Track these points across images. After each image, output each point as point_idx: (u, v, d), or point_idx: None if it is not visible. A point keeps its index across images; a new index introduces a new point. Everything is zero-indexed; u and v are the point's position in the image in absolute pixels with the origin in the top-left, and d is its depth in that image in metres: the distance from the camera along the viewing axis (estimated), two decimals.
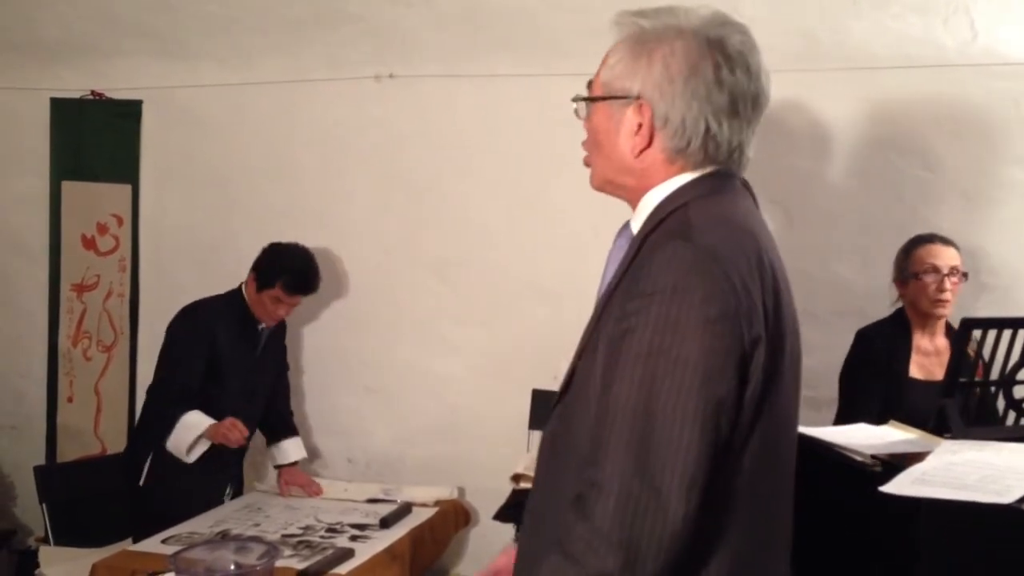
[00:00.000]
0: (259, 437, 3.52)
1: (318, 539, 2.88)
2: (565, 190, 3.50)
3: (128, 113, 4.03)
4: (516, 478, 3.01)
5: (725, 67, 1.24)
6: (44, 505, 3.39)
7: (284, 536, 2.90)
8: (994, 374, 1.94)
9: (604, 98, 1.30)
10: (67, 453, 4.09)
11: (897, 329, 2.83)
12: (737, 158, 1.29)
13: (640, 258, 1.20)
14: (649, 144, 1.27)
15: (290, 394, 3.67)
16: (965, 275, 2.81)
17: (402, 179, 3.77)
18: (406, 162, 3.76)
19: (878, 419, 2.08)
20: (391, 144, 3.77)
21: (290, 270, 3.30)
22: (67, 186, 4.11)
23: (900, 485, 1.52)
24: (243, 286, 3.38)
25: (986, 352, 1.91)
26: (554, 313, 3.54)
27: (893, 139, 3.29)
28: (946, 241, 2.83)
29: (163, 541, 2.83)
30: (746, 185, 1.34)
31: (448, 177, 3.72)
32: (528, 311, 3.63)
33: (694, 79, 1.23)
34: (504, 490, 3.08)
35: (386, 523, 3.07)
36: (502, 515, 3.05)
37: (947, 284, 2.76)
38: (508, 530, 3.13)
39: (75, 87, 4.03)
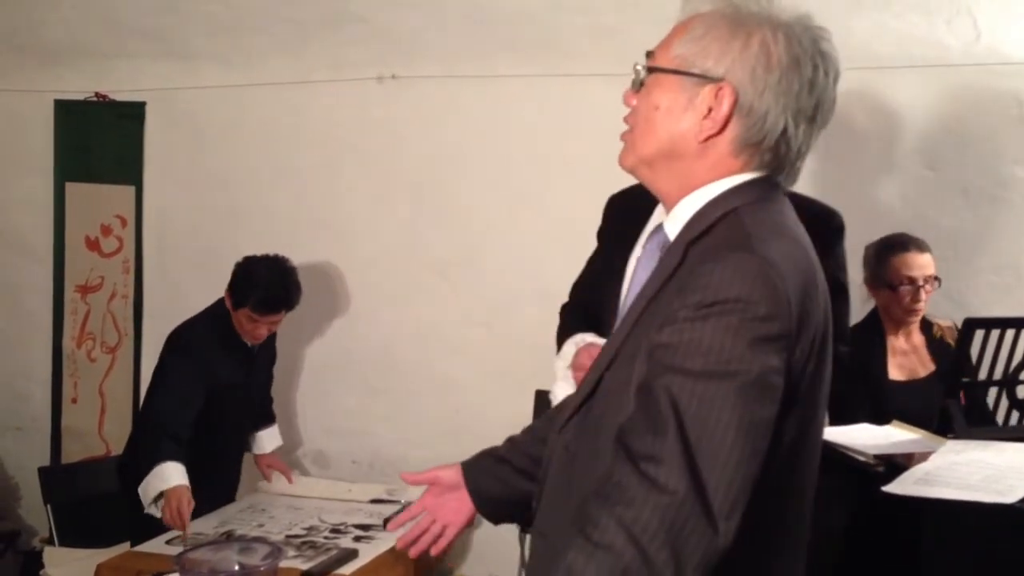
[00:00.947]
0: None
1: (322, 540, 2.89)
2: (568, 190, 3.52)
3: (132, 115, 4.04)
4: None
5: (822, 69, 1.18)
6: (49, 506, 3.40)
7: (288, 537, 2.90)
8: (997, 374, 1.94)
9: (680, 72, 1.19)
10: (71, 454, 4.10)
11: (872, 332, 2.81)
12: (799, 167, 1.24)
13: (688, 265, 1.13)
14: (720, 132, 1.18)
15: (271, 382, 3.60)
16: (938, 279, 2.79)
17: (404, 180, 3.78)
18: (408, 163, 3.76)
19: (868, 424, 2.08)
20: (393, 145, 3.77)
21: (259, 288, 3.12)
22: (71, 187, 4.12)
23: (903, 485, 1.52)
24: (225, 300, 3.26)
25: (989, 352, 1.91)
26: (556, 313, 3.54)
27: (895, 138, 3.29)
28: (920, 247, 2.80)
29: (167, 542, 2.83)
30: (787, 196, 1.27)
31: (451, 178, 3.73)
32: (531, 312, 3.62)
33: (792, 73, 1.16)
34: None
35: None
36: None
37: (922, 294, 2.75)
38: (511, 530, 3.13)
39: (79, 89, 4.04)
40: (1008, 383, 1.89)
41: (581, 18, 3.39)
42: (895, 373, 2.79)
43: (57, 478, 3.54)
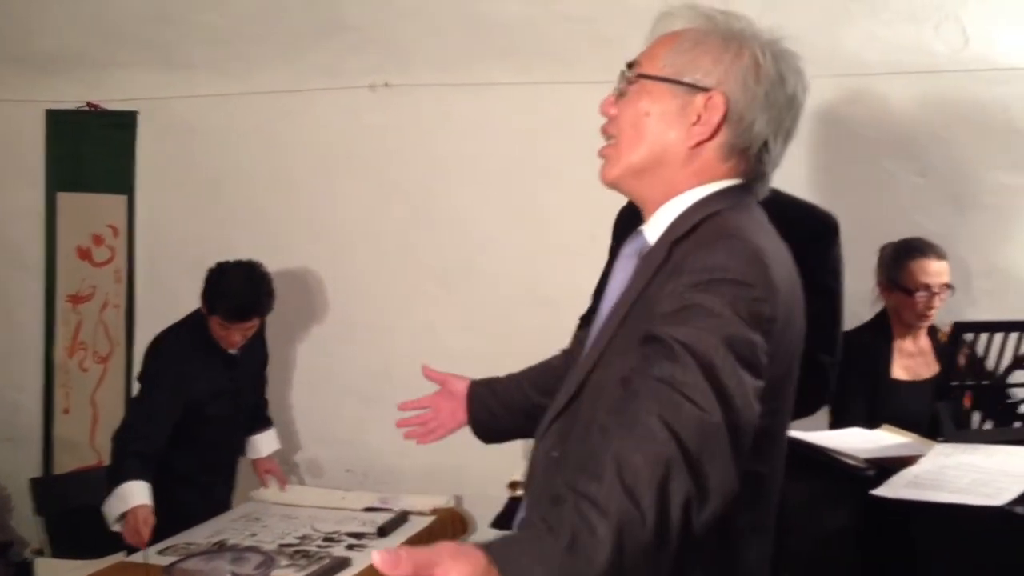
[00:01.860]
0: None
1: (315, 548, 2.88)
2: (562, 197, 3.53)
3: (123, 124, 4.04)
4: (513, 485, 3.01)
5: (801, 87, 1.26)
6: (41, 517, 3.39)
7: (281, 546, 2.89)
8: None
9: (671, 80, 1.24)
10: (63, 464, 4.08)
11: (878, 333, 2.82)
12: (770, 176, 1.30)
13: (675, 260, 1.17)
14: (710, 138, 1.24)
15: (265, 386, 3.61)
16: (952, 288, 2.80)
17: (398, 187, 3.78)
18: (402, 170, 3.77)
19: (866, 423, 2.10)
20: (387, 153, 3.78)
21: (228, 296, 3.11)
22: (63, 197, 4.12)
23: (893, 488, 1.53)
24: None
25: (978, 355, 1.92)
26: (552, 320, 3.52)
27: (885, 145, 3.31)
28: (939, 254, 2.81)
29: (160, 552, 2.83)
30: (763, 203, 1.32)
31: (445, 185, 3.73)
32: (525, 318, 3.63)
33: (778, 88, 1.23)
34: (502, 498, 3.08)
35: (383, 532, 3.07)
36: (500, 523, 3.05)
37: (936, 301, 2.76)
38: None
39: (71, 98, 4.04)
40: (997, 386, 1.90)
41: (576, 26, 3.40)
42: (900, 373, 2.79)
43: (49, 489, 3.53)
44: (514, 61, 3.53)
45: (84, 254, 4.13)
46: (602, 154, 1.31)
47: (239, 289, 3.13)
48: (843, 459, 1.73)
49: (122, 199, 4.08)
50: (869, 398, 2.69)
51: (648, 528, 0.93)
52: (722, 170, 1.25)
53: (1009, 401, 1.95)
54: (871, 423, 2.07)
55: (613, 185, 1.31)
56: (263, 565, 2.17)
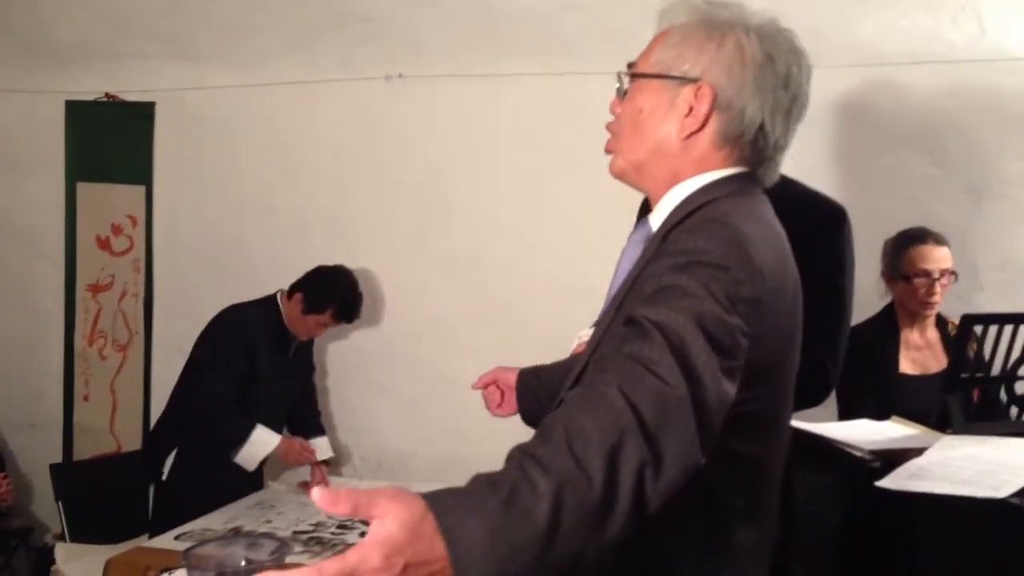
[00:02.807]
0: None
1: (329, 535, 2.91)
2: (575, 189, 3.53)
3: (142, 115, 4.08)
4: None
5: (795, 65, 1.25)
6: (60, 502, 3.44)
7: (295, 532, 2.93)
8: (995, 370, 1.94)
9: (660, 76, 1.27)
10: (83, 451, 4.14)
11: (886, 326, 2.81)
12: (777, 160, 1.29)
13: (662, 247, 1.17)
14: (701, 128, 1.25)
15: (316, 395, 3.73)
16: (955, 274, 2.79)
17: (412, 178, 3.80)
18: (416, 161, 3.79)
19: (875, 416, 2.09)
20: (401, 144, 3.79)
21: (343, 299, 3.39)
22: (82, 187, 4.17)
23: (897, 480, 1.53)
24: (279, 296, 3.44)
25: (987, 348, 1.91)
26: (565, 312, 3.54)
27: (902, 135, 3.29)
28: (938, 240, 2.80)
29: (176, 537, 2.87)
30: (769, 191, 1.32)
31: (458, 176, 3.75)
32: (539, 310, 3.64)
33: (767, 70, 1.23)
34: None
35: None
36: None
37: (937, 287, 2.75)
38: None
39: (90, 90, 4.08)
40: (1006, 379, 1.90)
41: (587, 18, 3.40)
42: (907, 367, 2.78)
43: (68, 475, 3.58)
44: (526, 52, 3.53)
45: (103, 244, 4.17)
46: (607, 150, 1.36)
47: (355, 294, 3.44)
48: (849, 451, 1.73)
49: (140, 189, 4.12)
50: (877, 393, 2.68)
51: (595, 490, 0.91)
52: (718, 158, 1.26)
53: (1021, 393, 1.94)
54: (880, 417, 2.06)
55: (619, 176, 1.35)
56: (277, 551, 2.18)
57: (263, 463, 3.32)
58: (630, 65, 1.33)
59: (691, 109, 1.24)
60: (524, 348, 3.72)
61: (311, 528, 2.99)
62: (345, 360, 3.94)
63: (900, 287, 2.81)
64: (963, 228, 3.23)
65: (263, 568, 2.21)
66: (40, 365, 4.23)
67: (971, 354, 2.02)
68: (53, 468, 3.58)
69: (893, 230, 3.15)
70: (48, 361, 4.22)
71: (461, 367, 3.83)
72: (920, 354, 2.81)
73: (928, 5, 3.16)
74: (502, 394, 1.86)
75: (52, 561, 3.32)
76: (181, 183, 4.08)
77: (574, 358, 1.73)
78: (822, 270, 1.76)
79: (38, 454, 4.10)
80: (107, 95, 4.08)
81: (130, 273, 4.15)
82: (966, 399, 1.93)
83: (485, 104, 3.68)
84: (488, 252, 3.73)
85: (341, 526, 3.03)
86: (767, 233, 1.20)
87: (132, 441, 4.07)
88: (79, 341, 4.20)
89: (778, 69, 1.23)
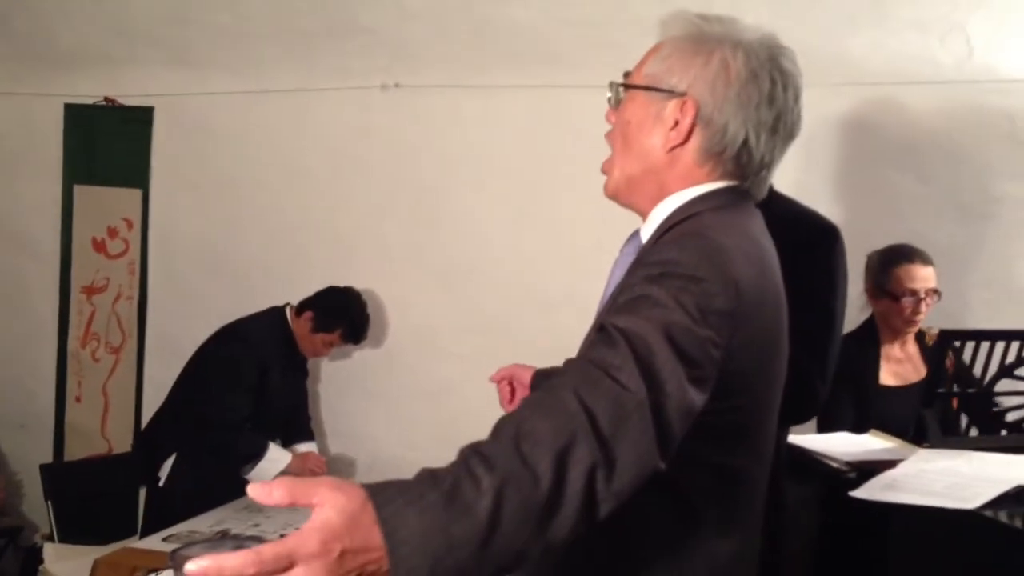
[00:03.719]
0: None
1: None
2: (568, 200, 3.56)
3: (140, 120, 4.11)
4: None
5: (780, 84, 1.25)
6: (49, 503, 3.45)
7: (283, 536, 2.93)
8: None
9: (648, 88, 1.28)
10: (74, 452, 4.15)
11: (867, 339, 2.83)
12: (764, 176, 1.29)
13: (640, 259, 1.19)
14: (684, 142, 1.26)
15: (308, 400, 3.77)
16: (939, 293, 2.81)
17: (406, 187, 3.83)
18: (411, 170, 3.82)
19: (855, 430, 2.11)
20: (396, 152, 3.83)
21: (352, 320, 3.46)
22: (79, 190, 4.19)
23: (870, 490, 1.56)
24: (287, 311, 3.48)
25: (965, 363, 1.95)
26: (555, 322, 3.58)
27: (889, 153, 3.33)
28: (925, 259, 2.82)
29: (164, 539, 2.88)
30: (759, 207, 1.33)
31: (452, 186, 3.78)
32: (530, 320, 3.67)
33: (750, 87, 1.23)
34: None
35: None
36: None
37: (923, 307, 2.77)
38: None
39: (89, 94, 4.11)
40: (983, 394, 1.93)
41: (582, 30, 3.44)
42: (888, 379, 2.80)
43: (59, 475, 3.59)
44: (520, 64, 3.57)
45: (99, 246, 4.19)
46: (603, 170, 1.36)
47: (363, 316, 3.52)
48: (826, 462, 1.76)
49: (137, 193, 4.15)
50: (857, 404, 2.70)
51: (541, 490, 0.91)
52: (702, 173, 1.27)
53: (996, 409, 1.97)
54: (860, 429, 2.09)
55: (613, 198, 1.35)
56: None
57: None
58: (626, 75, 1.34)
59: (676, 123, 1.25)
60: (515, 358, 3.74)
61: None
62: (337, 367, 3.97)
63: (885, 304, 2.83)
64: (949, 246, 3.27)
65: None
66: (33, 366, 4.25)
67: (949, 368, 2.05)
68: (43, 468, 3.59)
69: (878, 247, 3.19)
70: (41, 362, 4.24)
71: (452, 375, 3.87)
72: (900, 367, 2.83)
73: (917, 25, 3.19)
74: (513, 391, 1.87)
75: (40, 561, 3.33)
76: (178, 187, 4.11)
77: None
78: (813, 288, 1.77)
79: (29, 454, 4.11)
80: (106, 99, 4.11)
81: (125, 276, 4.17)
82: (944, 412, 1.96)
83: (479, 114, 3.72)
84: (480, 262, 3.76)
85: None
86: (747, 246, 1.20)
87: (123, 443, 4.08)
88: (72, 342, 4.22)
89: (762, 86, 1.23)
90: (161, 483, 3.33)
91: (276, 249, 3.97)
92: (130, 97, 4.10)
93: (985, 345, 1.92)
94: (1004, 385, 1.92)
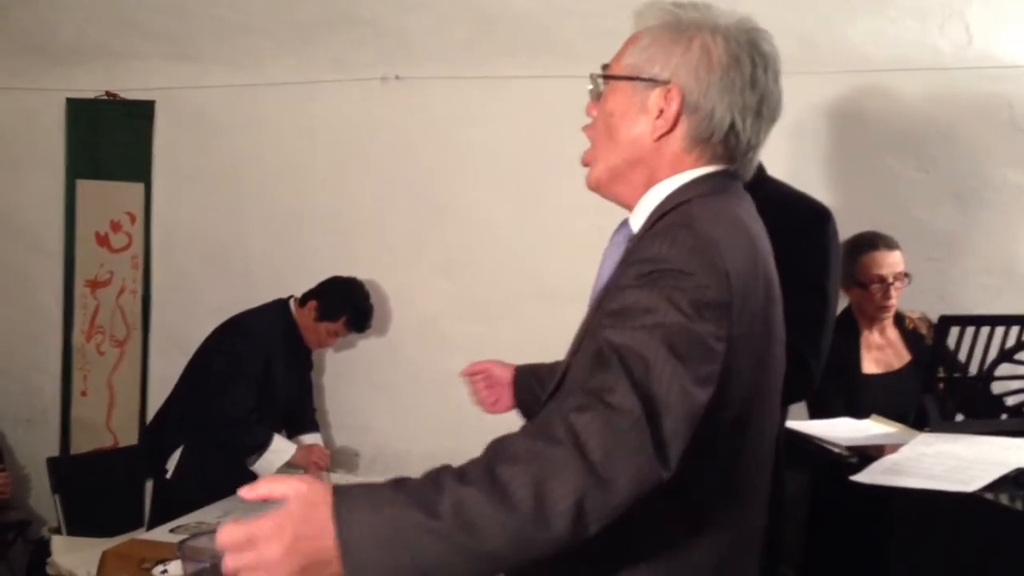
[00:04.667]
0: None
1: None
2: (569, 191, 3.53)
3: (141, 114, 4.12)
4: None
5: (760, 67, 1.25)
6: (57, 496, 3.48)
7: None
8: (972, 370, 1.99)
9: (631, 78, 1.27)
10: (80, 445, 4.18)
11: (846, 329, 2.82)
12: (751, 158, 1.30)
13: (631, 254, 1.19)
14: (671, 130, 1.25)
15: (312, 392, 3.79)
16: (908, 276, 2.82)
17: (408, 179, 3.84)
18: (411, 162, 3.83)
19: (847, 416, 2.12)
20: (397, 144, 3.84)
21: (356, 308, 3.48)
22: (82, 184, 4.20)
23: (871, 475, 1.57)
24: (291, 303, 3.50)
25: (964, 349, 1.95)
26: (557, 312, 3.55)
27: (888, 141, 3.34)
28: (889, 244, 2.83)
29: (171, 530, 2.90)
30: (748, 188, 1.34)
31: (453, 177, 3.79)
32: (532, 310, 3.68)
33: (733, 71, 1.23)
34: None
35: None
36: None
37: (892, 291, 2.79)
38: None
39: (90, 88, 4.12)
40: (983, 379, 1.94)
41: (582, 21, 3.44)
42: (870, 367, 2.82)
43: (65, 468, 3.62)
44: (520, 55, 3.57)
45: (102, 240, 4.21)
46: (584, 162, 1.36)
47: (367, 304, 3.53)
48: (827, 447, 1.78)
49: (139, 187, 4.16)
50: (843, 395, 2.70)
51: (518, 511, 0.95)
52: (691, 159, 1.27)
53: (995, 394, 1.98)
54: (850, 417, 2.10)
55: (596, 190, 1.35)
56: None
57: None
58: (604, 67, 1.33)
59: (661, 111, 1.25)
60: (517, 348, 3.76)
61: None
62: (341, 358, 3.98)
63: (857, 293, 2.85)
64: (949, 233, 3.28)
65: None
66: (38, 360, 4.27)
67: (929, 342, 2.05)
68: (50, 462, 3.62)
69: None
70: (46, 356, 4.26)
71: (455, 366, 3.85)
72: (882, 353, 2.85)
73: (916, 12, 3.20)
74: (495, 391, 1.91)
75: (49, 553, 3.36)
76: (180, 181, 4.12)
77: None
78: (806, 270, 1.79)
79: (36, 448, 4.13)
80: (107, 93, 4.12)
81: (128, 270, 4.19)
82: (943, 398, 1.97)
83: (479, 106, 3.72)
84: (482, 252, 3.77)
85: None
86: (736, 234, 1.20)
87: (129, 436, 4.11)
88: (77, 337, 4.24)
89: (744, 70, 1.24)
90: (168, 475, 3.35)
91: (278, 241, 3.99)
92: (131, 91, 4.11)
93: (985, 330, 1.93)
94: (1004, 369, 1.93)
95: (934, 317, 2.98)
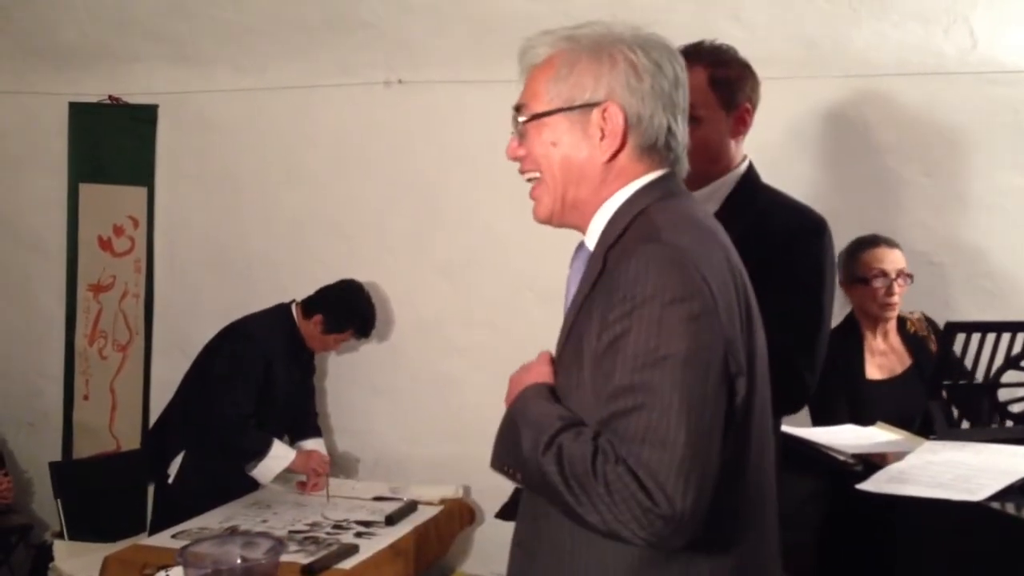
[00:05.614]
0: None
1: (324, 535, 2.95)
2: None
3: (144, 117, 4.13)
4: None
5: (676, 65, 1.29)
6: (59, 500, 3.47)
7: (291, 532, 2.96)
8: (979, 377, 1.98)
9: (566, 109, 1.28)
10: (83, 450, 4.18)
11: (849, 334, 2.82)
12: (683, 157, 1.33)
13: (609, 269, 1.20)
14: (622, 146, 1.28)
15: (315, 397, 3.78)
16: (910, 276, 2.81)
17: (410, 182, 3.84)
18: (414, 165, 3.83)
19: (848, 423, 2.11)
20: (400, 148, 3.84)
21: (362, 318, 3.51)
22: (84, 188, 4.21)
23: (877, 483, 1.57)
24: (293, 309, 3.50)
25: (971, 355, 1.95)
26: (558, 315, 3.57)
27: (893, 145, 3.33)
28: (890, 243, 2.83)
29: (173, 536, 2.90)
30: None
31: (455, 180, 3.79)
32: (533, 313, 3.67)
33: (659, 76, 1.27)
34: (509, 489, 3.12)
35: (391, 520, 3.13)
36: (504, 513, 3.09)
37: (895, 288, 2.77)
38: (511, 528, 3.17)
39: (93, 92, 4.13)
40: (989, 386, 1.93)
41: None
42: (874, 373, 2.79)
43: (68, 473, 3.62)
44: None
45: (105, 244, 4.21)
46: (532, 196, 1.37)
47: (371, 311, 3.56)
48: (832, 454, 1.77)
49: (142, 191, 4.16)
50: (847, 401, 2.69)
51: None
52: (640, 169, 1.29)
53: (1002, 401, 1.97)
54: (854, 424, 2.08)
55: (546, 222, 1.37)
56: (272, 550, 2.22)
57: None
58: (518, 108, 1.34)
59: (602, 132, 1.27)
60: (518, 352, 3.76)
61: (307, 528, 3.02)
62: (342, 362, 3.98)
63: (859, 291, 2.82)
64: (952, 238, 3.27)
65: (257, 566, 2.23)
66: (41, 364, 4.27)
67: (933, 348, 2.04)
68: (53, 466, 3.61)
69: None
70: (49, 360, 4.26)
71: (456, 369, 3.89)
72: (885, 359, 2.82)
73: (920, 17, 3.19)
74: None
75: (51, 558, 3.36)
76: (182, 185, 4.12)
77: None
78: (800, 280, 1.78)
79: (38, 452, 4.14)
80: (110, 97, 4.13)
81: (131, 273, 4.19)
82: (948, 405, 1.96)
83: (483, 109, 3.69)
84: (483, 255, 3.77)
85: (336, 526, 3.07)
86: (701, 236, 1.22)
87: (131, 440, 4.10)
88: (80, 340, 4.24)
89: (667, 72, 1.28)
90: (170, 480, 3.35)
91: (281, 245, 3.99)
92: (134, 95, 4.11)
93: (991, 337, 1.92)
94: (1010, 376, 1.92)
95: (939, 322, 2.98)
